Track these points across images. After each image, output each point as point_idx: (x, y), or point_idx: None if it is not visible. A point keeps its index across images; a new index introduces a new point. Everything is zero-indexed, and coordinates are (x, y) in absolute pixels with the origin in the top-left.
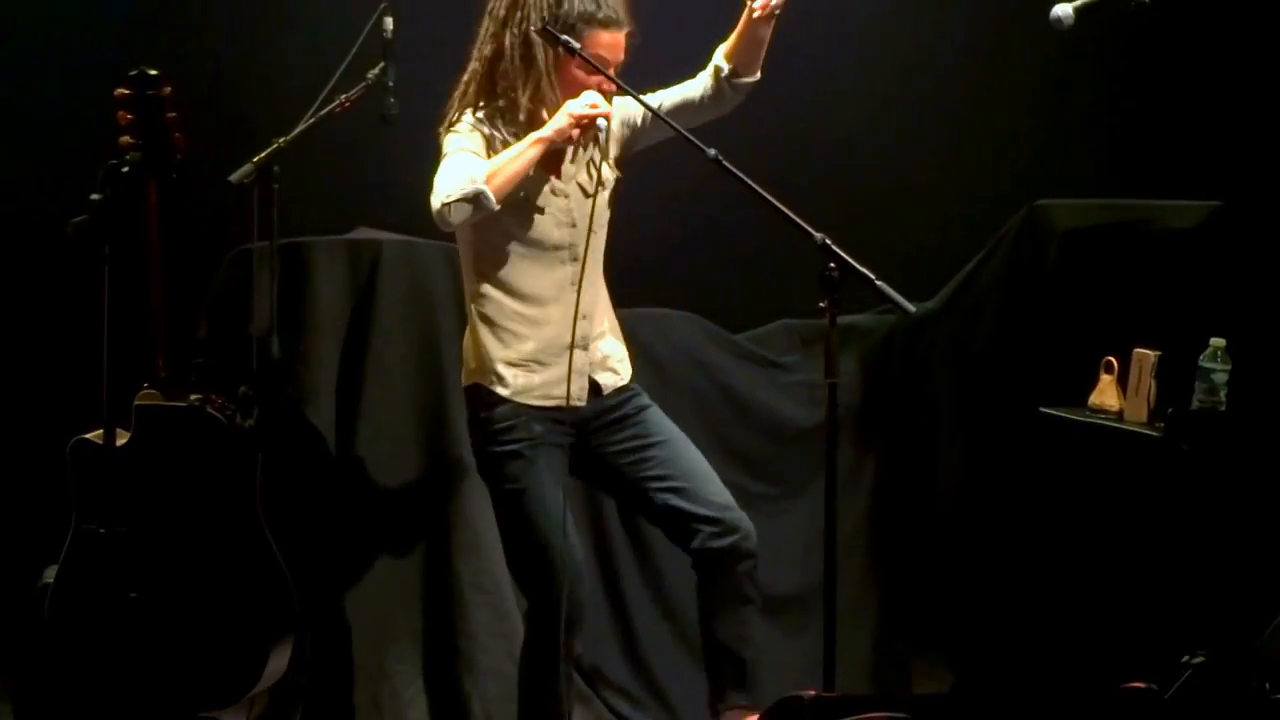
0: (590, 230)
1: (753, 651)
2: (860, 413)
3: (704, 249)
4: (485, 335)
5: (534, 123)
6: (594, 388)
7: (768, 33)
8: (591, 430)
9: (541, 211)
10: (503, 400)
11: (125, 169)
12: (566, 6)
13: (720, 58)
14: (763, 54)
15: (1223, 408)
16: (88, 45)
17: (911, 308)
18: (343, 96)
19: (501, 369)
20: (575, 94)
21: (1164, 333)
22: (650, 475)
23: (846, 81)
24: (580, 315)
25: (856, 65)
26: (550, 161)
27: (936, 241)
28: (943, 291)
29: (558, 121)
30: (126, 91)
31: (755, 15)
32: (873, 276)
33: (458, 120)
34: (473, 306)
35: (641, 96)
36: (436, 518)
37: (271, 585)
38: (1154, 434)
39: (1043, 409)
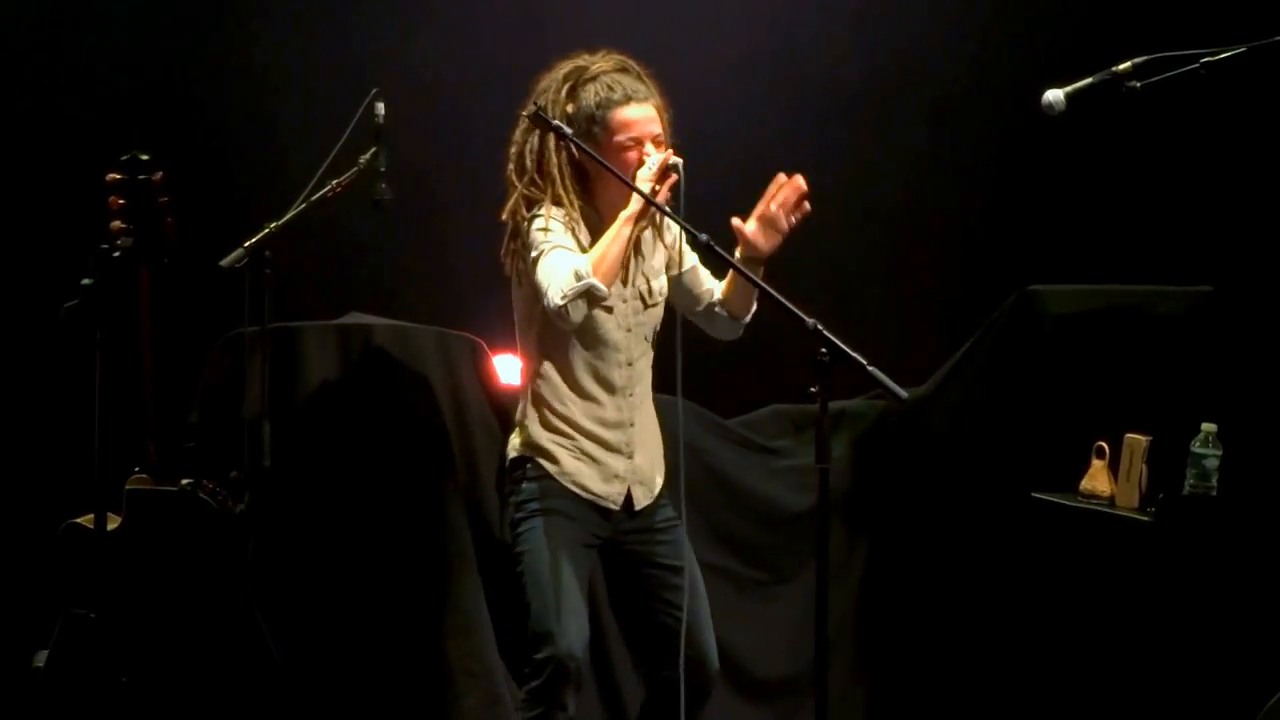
0: (644, 339)
1: None
2: (851, 498)
3: (695, 333)
4: (542, 414)
5: (600, 213)
6: (629, 498)
7: (755, 278)
8: (624, 531)
9: (609, 311)
10: (548, 475)
11: (116, 254)
12: (584, 99)
13: (718, 295)
14: (751, 300)
15: (1214, 493)
16: (79, 129)
17: (903, 393)
18: (335, 181)
19: (554, 448)
20: (626, 171)
21: (1155, 418)
22: (661, 597)
23: (837, 167)
24: (628, 422)
25: (848, 151)
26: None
27: (928, 327)
28: (934, 377)
29: (639, 198)
30: (118, 176)
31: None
32: (864, 362)
33: (537, 215)
34: (530, 385)
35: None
36: (428, 601)
37: (262, 669)
38: (1145, 519)
39: (1034, 494)
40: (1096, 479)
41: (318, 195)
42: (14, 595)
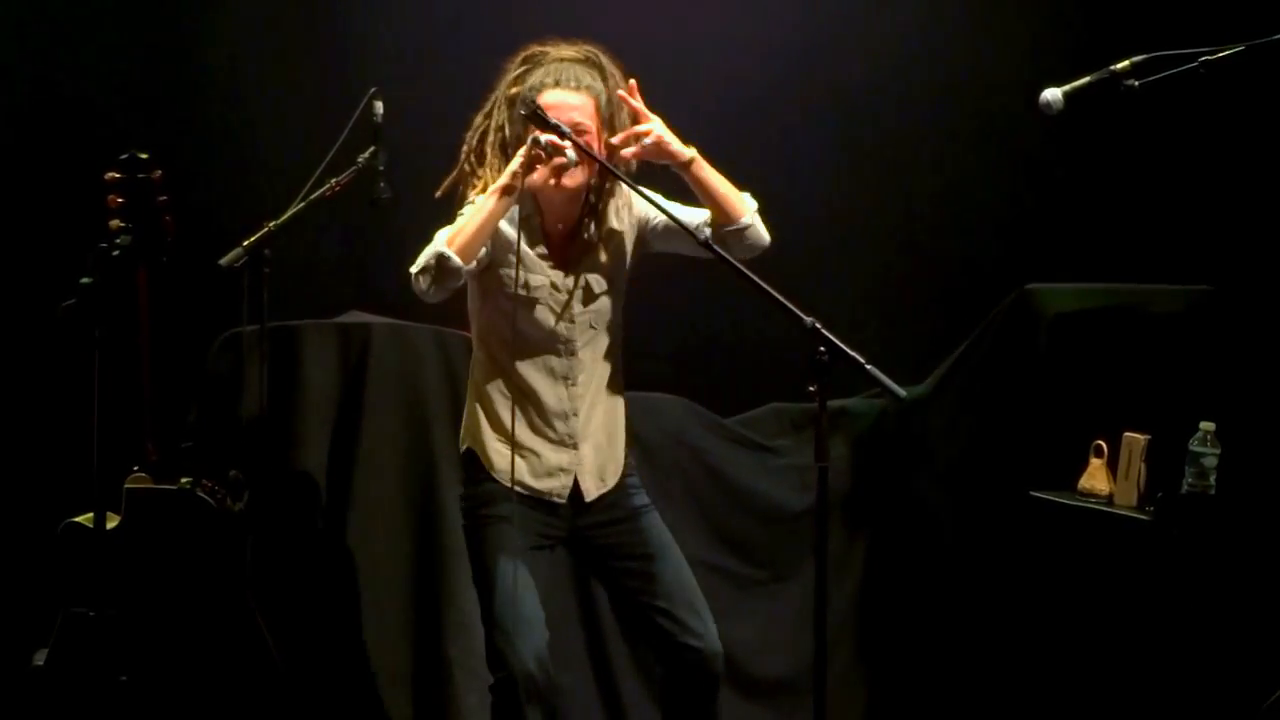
0: (590, 327)
1: None
2: (850, 497)
3: (694, 333)
4: (479, 409)
5: (535, 199)
6: (577, 490)
7: (704, 181)
8: (584, 526)
9: (538, 303)
10: (489, 477)
11: (115, 252)
12: (527, 82)
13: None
14: (723, 200)
15: (1212, 492)
16: (79, 129)
17: (902, 392)
18: (333, 180)
19: (489, 444)
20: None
21: (1154, 416)
22: (636, 587)
23: (837, 166)
24: (571, 413)
25: (847, 149)
26: (557, 252)
27: (926, 325)
28: (933, 375)
29: (511, 166)
30: (117, 175)
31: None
32: (863, 361)
33: (466, 203)
34: (472, 378)
35: (643, 191)
36: (426, 599)
37: (261, 668)
38: (1144, 518)
39: (1032, 493)
40: (1095, 477)
41: (316, 194)
42: (14, 594)
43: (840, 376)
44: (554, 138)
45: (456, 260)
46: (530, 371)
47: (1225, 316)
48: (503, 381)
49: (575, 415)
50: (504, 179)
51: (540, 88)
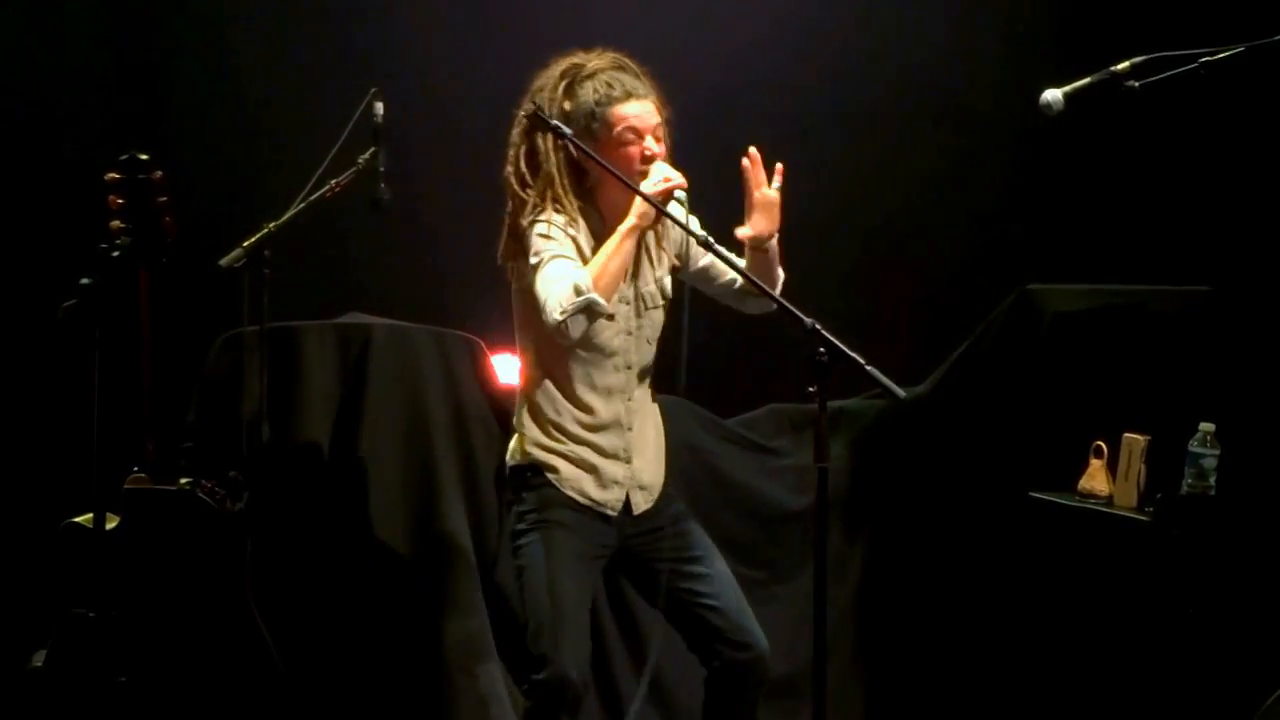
0: (645, 341)
1: None
2: (850, 497)
3: (694, 333)
4: (539, 421)
5: (601, 213)
6: (627, 503)
7: (773, 254)
8: (632, 535)
9: (611, 318)
10: (549, 484)
11: (115, 253)
12: (582, 96)
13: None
14: (773, 273)
15: (1212, 493)
16: (78, 129)
17: (901, 392)
18: (333, 181)
19: (552, 457)
20: (628, 171)
21: (1154, 417)
22: (687, 589)
23: (837, 166)
24: (626, 426)
25: (847, 150)
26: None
27: (926, 326)
28: (932, 376)
29: (639, 207)
30: (117, 175)
31: (750, 246)
32: (863, 361)
33: (538, 220)
34: (526, 390)
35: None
36: (426, 602)
37: (261, 670)
38: (1143, 519)
39: (1032, 493)
40: (1095, 478)
41: (316, 195)
42: (13, 595)
43: (840, 377)
44: (683, 182)
45: (605, 307)
46: (590, 385)
47: (1225, 317)
48: (559, 395)
49: (630, 429)
50: (635, 219)
51: (610, 100)
